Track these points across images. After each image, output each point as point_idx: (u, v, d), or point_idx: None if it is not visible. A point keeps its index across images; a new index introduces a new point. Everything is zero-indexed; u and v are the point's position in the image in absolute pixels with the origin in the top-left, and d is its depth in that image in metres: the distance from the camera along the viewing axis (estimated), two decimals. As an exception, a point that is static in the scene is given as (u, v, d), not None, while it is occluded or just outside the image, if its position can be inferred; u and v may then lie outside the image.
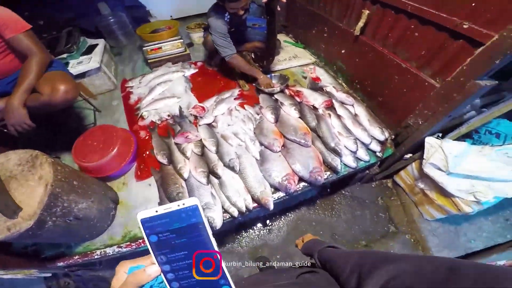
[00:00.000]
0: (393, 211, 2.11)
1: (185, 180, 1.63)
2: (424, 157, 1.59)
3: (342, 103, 1.98)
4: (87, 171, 1.62)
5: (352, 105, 1.95)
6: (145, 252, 0.44)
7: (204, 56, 2.96)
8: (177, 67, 2.76)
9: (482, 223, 1.93)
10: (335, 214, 2.11)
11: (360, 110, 1.91)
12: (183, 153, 1.74)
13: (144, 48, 2.73)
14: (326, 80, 2.41)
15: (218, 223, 1.44)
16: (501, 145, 1.46)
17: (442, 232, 1.92)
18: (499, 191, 1.43)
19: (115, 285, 0.41)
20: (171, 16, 3.93)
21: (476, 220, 1.93)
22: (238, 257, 1.93)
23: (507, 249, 1.57)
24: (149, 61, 2.81)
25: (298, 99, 2.05)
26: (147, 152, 1.91)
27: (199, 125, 1.95)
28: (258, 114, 2.00)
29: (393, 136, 1.82)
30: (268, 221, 2.09)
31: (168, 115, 2.15)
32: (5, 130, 1.48)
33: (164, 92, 2.39)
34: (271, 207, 1.49)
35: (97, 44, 2.71)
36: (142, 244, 1.51)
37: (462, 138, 1.61)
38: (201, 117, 2.02)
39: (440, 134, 1.57)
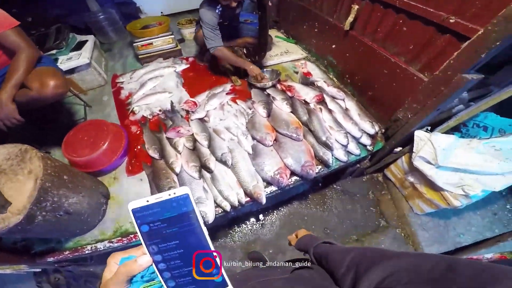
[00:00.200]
0: (384, 205, 2.13)
1: (177, 174, 1.62)
2: (414, 150, 1.61)
3: (333, 98, 1.99)
4: (78, 165, 1.60)
5: (343, 100, 1.97)
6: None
7: (196, 52, 2.95)
8: (168, 62, 2.74)
9: (471, 218, 1.97)
10: (326, 208, 2.13)
11: (350, 105, 1.92)
12: (175, 147, 1.73)
13: (134, 44, 2.71)
14: (317, 75, 2.42)
15: (211, 218, 1.44)
16: (488, 138, 1.49)
17: (432, 226, 1.95)
18: (487, 184, 1.46)
19: (106, 276, 0.42)
20: (161, 13, 3.91)
21: (465, 214, 1.97)
22: (230, 252, 1.94)
23: (495, 243, 1.60)
24: (139, 56, 2.78)
25: (289, 94, 2.06)
26: (139, 147, 1.89)
27: (191, 120, 1.94)
28: (250, 109, 2.00)
29: (383, 130, 1.84)
30: (260, 216, 2.10)
31: (160, 110, 2.13)
32: None
33: (155, 87, 2.38)
34: (264, 201, 1.50)
35: (86, 40, 2.69)
36: (134, 239, 1.50)
37: (450, 131, 1.63)
38: (193, 111, 2.01)
39: (429, 128, 1.59)
